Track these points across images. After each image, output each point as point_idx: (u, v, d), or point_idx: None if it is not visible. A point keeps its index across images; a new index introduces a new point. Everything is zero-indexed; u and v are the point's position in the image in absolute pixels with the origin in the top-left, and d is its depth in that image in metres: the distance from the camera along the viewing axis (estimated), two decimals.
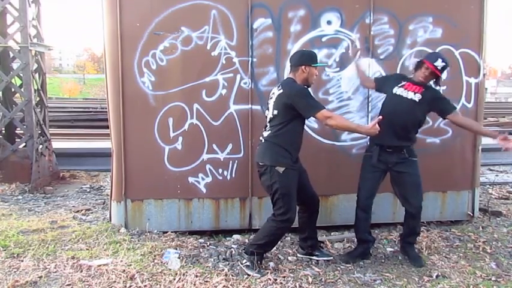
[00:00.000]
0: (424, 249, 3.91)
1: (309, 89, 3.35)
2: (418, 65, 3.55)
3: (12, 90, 6.60)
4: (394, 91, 3.58)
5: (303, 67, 3.28)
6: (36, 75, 6.63)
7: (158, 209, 4.21)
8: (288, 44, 4.13)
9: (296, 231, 3.82)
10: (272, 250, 3.63)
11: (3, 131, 6.62)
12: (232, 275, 3.29)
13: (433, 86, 3.60)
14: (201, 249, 3.81)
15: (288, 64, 3.73)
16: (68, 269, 3.32)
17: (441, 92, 3.77)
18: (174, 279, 3.20)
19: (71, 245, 3.82)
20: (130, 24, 3.97)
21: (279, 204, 3.27)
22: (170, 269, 3.36)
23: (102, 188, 6.31)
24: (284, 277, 3.30)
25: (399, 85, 3.58)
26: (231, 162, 4.19)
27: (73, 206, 5.25)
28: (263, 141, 3.39)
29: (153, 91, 4.05)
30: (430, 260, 3.68)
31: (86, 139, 10.14)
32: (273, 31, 4.12)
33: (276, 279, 3.24)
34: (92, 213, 4.95)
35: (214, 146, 4.16)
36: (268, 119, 3.38)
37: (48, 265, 3.38)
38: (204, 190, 4.20)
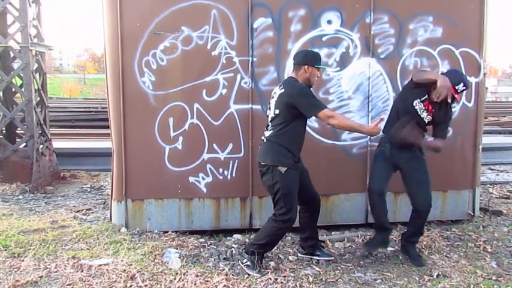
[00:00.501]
0: (425, 248, 3.91)
1: (311, 88, 3.35)
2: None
3: (13, 90, 6.60)
4: (414, 104, 3.53)
5: (306, 67, 3.28)
6: (37, 75, 6.64)
7: (159, 209, 4.21)
8: (288, 44, 4.13)
9: (297, 230, 3.82)
10: (273, 250, 3.63)
11: (4, 131, 6.62)
12: (232, 275, 3.29)
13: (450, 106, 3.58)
14: (201, 249, 3.81)
15: (288, 63, 3.74)
16: (69, 269, 3.32)
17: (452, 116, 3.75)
18: (175, 278, 3.20)
19: (72, 245, 3.82)
20: (130, 24, 3.97)
21: (280, 204, 3.26)
22: (171, 269, 3.36)
23: (102, 187, 6.32)
24: (285, 277, 3.30)
25: (422, 99, 3.50)
26: (231, 161, 4.19)
27: (74, 206, 5.25)
28: (265, 141, 3.38)
29: (153, 91, 4.06)
30: (431, 260, 3.68)
31: (86, 139, 10.15)
32: (273, 31, 4.11)
33: (276, 279, 3.24)
34: (92, 213, 4.95)
35: (215, 146, 4.16)
36: (269, 119, 3.38)
37: (49, 265, 3.38)
38: (205, 190, 4.21)
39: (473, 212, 4.68)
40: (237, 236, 4.21)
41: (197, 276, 3.23)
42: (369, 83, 4.27)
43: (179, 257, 3.56)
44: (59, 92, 48.12)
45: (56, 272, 3.29)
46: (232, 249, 3.82)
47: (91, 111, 16.24)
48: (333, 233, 4.35)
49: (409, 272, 3.49)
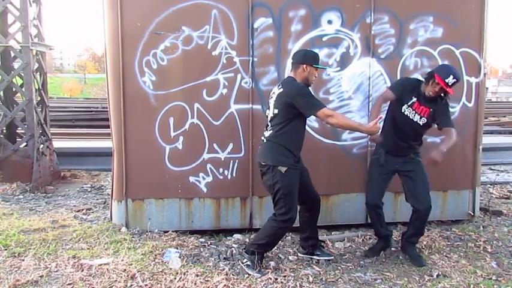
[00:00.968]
0: (425, 248, 3.91)
1: (309, 88, 3.35)
2: (428, 78, 3.45)
3: (13, 89, 6.59)
4: (403, 110, 3.56)
5: (305, 66, 3.28)
6: (37, 75, 6.64)
7: (159, 209, 4.21)
8: (289, 44, 4.13)
9: (297, 230, 3.82)
10: (273, 249, 3.63)
11: (4, 131, 6.62)
12: (233, 275, 3.29)
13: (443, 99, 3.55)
14: (201, 249, 3.82)
15: (289, 63, 3.74)
16: (69, 268, 3.32)
17: (449, 106, 3.69)
18: (175, 278, 3.20)
19: (72, 245, 3.83)
20: (131, 24, 3.97)
21: (280, 204, 3.26)
22: (171, 269, 3.36)
23: (103, 187, 6.32)
24: (285, 276, 3.30)
25: (409, 103, 3.53)
26: (231, 161, 4.19)
27: (74, 206, 5.25)
28: (265, 141, 3.38)
29: (153, 91, 4.06)
30: (431, 260, 3.68)
31: (86, 139, 10.15)
32: (274, 31, 4.12)
33: (276, 279, 3.24)
34: (92, 212, 4.95)
35: (215, 146, 4.16)
36: (269, 119, 3.38)
37: (49, 264, 3.38)
38: (205, 189, 4.21)
39: (474, 212, 4.68)
40: (237, 235, 4.21)
41: (197, 275, 3.23)
42: (369, 83, 4.27)
43: (179, 257, 3.56)
44: (60, 92, 48.11)
45: (56, 271, 3.29)
46: (233, 249, 3.82)
47: (91, 111, 16.24)
48: (333, 233, 4.35)
49: (409, 272, 3.50)
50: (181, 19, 4.01)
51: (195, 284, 3.12)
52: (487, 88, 4.65)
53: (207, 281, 3.17)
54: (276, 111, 3.28)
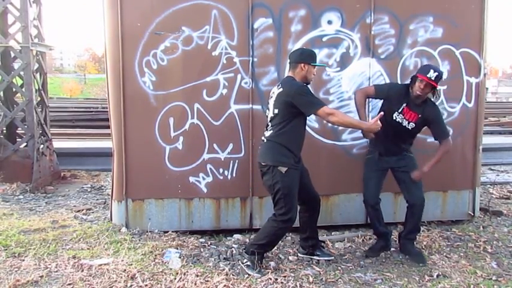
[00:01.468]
0: (425, 248, 3.91)
1: (309, 87, 3.35)
2: (413, 80, 3.57)
3: (13, 90, 6.59)
4: (394, 117, 3.61)
5: (302, 65, 3.28)
6: (37, 75, 6.64)
7: (159, 209, 4.21)
8: (289, 44, 4.13)
9: (297, 230, 3.82)
10: (273, 250, 3.63)
11: (4, 131, 6.62)
12: (233, 275, 3.29)
13: (431, 100, 3.65)
14: (201, 249, 3.82)
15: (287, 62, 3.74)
16: (69, 269, 3.33)
17: (439, 111, 3.76)
18: (175, 278, 3.20)
19: (72, 245, 3.83)
20: (131, 24, 3.97)
21: (280, 204, 3.26)
22: (171, 269, 3.36)
23: (103, 187, 6.32)
24: (285, 277, 3.30)
25: (399, 110, 3.60)
26: (231, 162, 4.19)
27: (74, 206, 5.25)
28: (265, 141, 3.38)
29: (153, 91, 4.06)
30: (431, 260, 3.68)
31: (86, 139, 10.15)
32: (274, 31, 4.12)
33: (276, 279, 3.24)
34: (92, 212, 4.95)
35: (215, 146, 4.16)
36: (269, 119, 3.38)
37: (49, 264, 3.39)
38: (205, 190, 4.21)
39: (474, 212, 4.68)
40: (237, 236, 4.21)
41: (197, 276, 3.23)
42: (369, 84, 4.26)
43: (179, 257, 3.57)
44: (60, 92, 48.11)
45: (56, 271, 3.29)
46: (233, 249, 3.82)
47: (91, 111, 16.23)
48: (333, 233, 4.36)
49: (409, 272, 3.50)
50: (181, 19, 4.01)
51: (195, 284, 3.12)
52: (487, 88, 4.64)
53: (207, 281, 3.17)
54: (276, 111, 3.28)
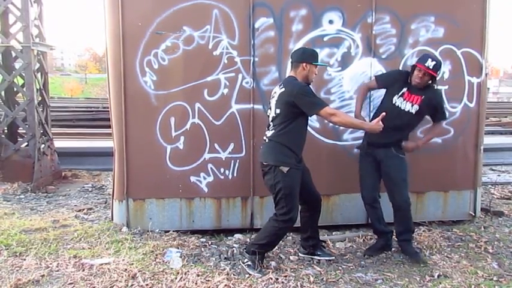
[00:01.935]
0: (426, 249, 3.91)
1: (311, 87, 3.35)
2: (412, 70, 3.63)
3: (15, 89, 6.60)
4: (393, 101, 3.64)
5: (304, 64, 3.29)
6: (38, 75, 6.64)
7: (160, 208, 4.21)
8: (290, 44, 4.13)
9: (298, 230, 3.82)
10: (274, 249, 3.63)
11: (6, 131, 6.63)
12: (233, 275, 3.29)
13: (434, 87, 3.67)
14: (202, 249, 3.82)
15: (290, 62, 3.73)
16: (70, 268, 3.33)
17: (442, 94, 3.80)
18: (176, 278, 3.20)
19: (73, 244, 3.83)
20: (132, 24, 3.97)
21: (282, 204, 3.26)
22: (172, 268, 3.36)
23: (104, 187, 6.32)
24: (285, 276, 3.30)
25: (399, 93, 3.64)
26: (232, 161, 4.19)
27: (75, 205, 5.26)
28: (267, 141, 3.38)
29: (154, 90, 4.06)
30: (432, 260, 3.68)
31: (87, 138, 10.17)
32: (275, 30, 4.11)
33: (277, 279, 3.24)
34: (93, 212, 4.96)
35: (216, 146, 4.16)
36: (270, 119, 3.38)
37: (51, 264, 3.39)
38: (206, 189, 4.21)
39: (475, 213, 4.67)
40: (238, 235, 4.21)
41: (198, 275, 3.23)
42: None
43: (180, 257, 3.57)
44: (61, 92, 48.16)
45: (57, 271, 3.30)
46: (233, 249, 3.82)
47: (92, 111, 16.27)
48: (334, 233, 4.35)
49: (410, 272, 3.49)
50: (182, 19, 4.01)
51: (196, 283, 3.12)
52: (488, 88, 4.63)
53: (208, 280, 3.17)
54: (277, 111, 3.28)
